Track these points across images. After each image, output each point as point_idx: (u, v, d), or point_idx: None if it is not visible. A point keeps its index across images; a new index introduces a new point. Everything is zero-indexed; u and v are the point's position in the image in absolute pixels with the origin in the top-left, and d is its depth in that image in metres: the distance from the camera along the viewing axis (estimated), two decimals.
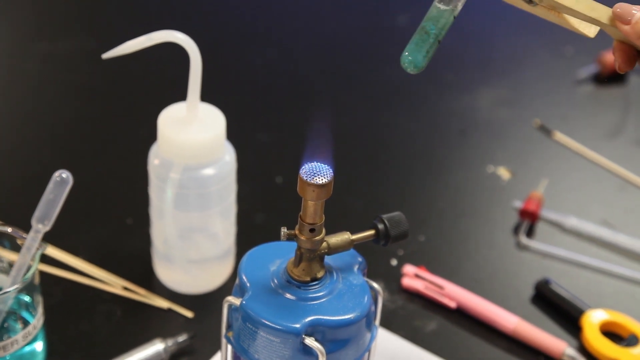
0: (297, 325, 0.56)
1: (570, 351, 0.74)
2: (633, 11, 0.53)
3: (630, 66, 0.56)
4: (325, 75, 1.11)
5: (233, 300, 0.58)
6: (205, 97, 0.73)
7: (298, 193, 0.55)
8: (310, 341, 0.56)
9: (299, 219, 0.57)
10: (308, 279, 0.58)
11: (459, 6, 0.52)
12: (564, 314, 0.79)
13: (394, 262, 0.83)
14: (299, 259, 0.58)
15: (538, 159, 0.99)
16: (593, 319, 0.77)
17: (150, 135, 0.75)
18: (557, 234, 0.88)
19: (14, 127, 0.98)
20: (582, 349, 0.76)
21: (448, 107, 1.06)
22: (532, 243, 0.87)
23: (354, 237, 0.59)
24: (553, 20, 0.56)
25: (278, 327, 0.56)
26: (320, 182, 0.54)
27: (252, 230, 0.84)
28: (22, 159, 0.93)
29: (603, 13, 0.54)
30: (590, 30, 0.56)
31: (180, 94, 0.72)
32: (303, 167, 0.55)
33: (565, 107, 1.08)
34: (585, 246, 0.87)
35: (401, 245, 0.85)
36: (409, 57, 0.51)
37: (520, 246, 0.87)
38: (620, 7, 0.54)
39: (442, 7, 0.52)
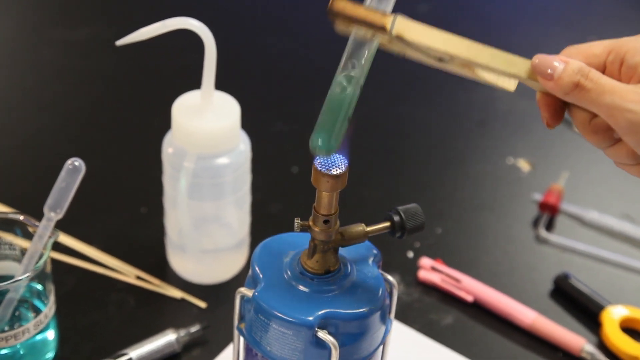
0: (310, 318, 0.55)
1: (590, 347, 0.73)
2: (555, 63, 0.49)
3: (559, 120, 0.52)
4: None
5: (245, 291, 0.57)
6: (222, 86, 0.72)
7: (312, 184, 0.54)
8: (323, 334, 0.55)
9: (313, 210, 0.56)
10: (322, 271, 0.57)
11: (363, 77, 0.50)
12: (583, 310, 0.77)
13: (410, 254, 0.82)
14: (312, 251, 0.57)
15: (559, 152, 0.98)
16: (613, 315, 0.75)
17: (165, 124, 0.74)
18: (577, 227, 0.87)
19: (29, 115, 0.98)
20: (602, 346, 0.75)
21: (467, 98, 1.05)
22: (552, 237, 0.85)
23: (369, 229, 0.58)
24: (468, 76, 0.53)
25: (290, 319, 0.55)
26: (335, 173, 0.53)
27: (266, 221, 0.83)
28: (36, 147, 0.93)
29: (522, 68, 0.49)
30: (511, 84, 0.52)
31: (196, 83, 0.71)
32: (317, 158, 0.54)
33: None
34: (605, 240, 0.86)
35: (418, 237, 0.83)
36: (320, 143, 0.50)
37: (540, 240, 0.85)
38: (540, 59, 0.49)
39: (344, 84, 0.50)
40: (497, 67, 0.50)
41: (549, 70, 0.49)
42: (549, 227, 0.87)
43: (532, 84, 0.51)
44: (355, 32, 0.50)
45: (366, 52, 0.50)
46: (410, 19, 0.49)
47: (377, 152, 0.96)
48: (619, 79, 0.50)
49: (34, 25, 1.13)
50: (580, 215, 0.87)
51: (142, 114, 0.98)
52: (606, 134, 0.50)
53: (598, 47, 0.51)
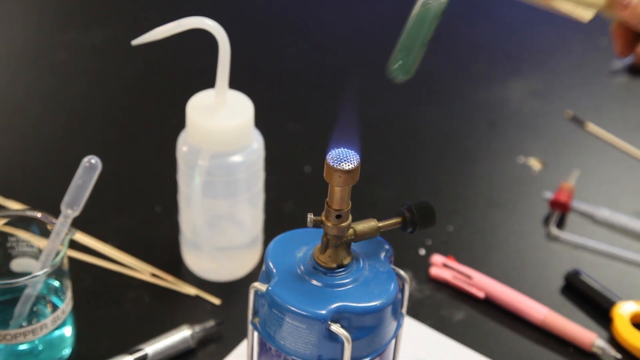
0: (323, 312, 0.56)
1: (600, 342, 0.74)
2: None
3: (631, 50, 0.54)
4: (356, 65, 1.11)
5: (259, 286, 0.58)
6: (236, 86, 0.73)
7: (324, 179, 0.55)
8: (336, 328, 0.56)
9: (325, 205, 0.57)
10: (334, 265, 0.58)
11: (443, 3, 0.51)
12: (594, 306, 0.78)
13: (422, 251, 0.83)
14: (325, 246, 0.58)
15: (570, 150, 0.98)
16: (624, 310, 0.76)
17: (179, 123, 0.75)
18: (588, 225, 0.87)
19: (45, 116, 0.99)
20: (613, 341, 0.75)
21: (479, 98, 1.06)
22: (563, 234, 0.86)
23: (381, 224, 0.59)
24: (544, 6, 0.54)
25: (304, 313, 0.56)
26: (347, 167, 0.54)
27: (280, 219, 0.84)
28: (53, 147, 0.94)
29: None
30: (587, 14, 0.53)
31: (210, 83, 0.72)
32: (330, 153, 0.55)
33: (598, 99, 1.07)
34: (616, 238, 0.86)
35: (429, 235, 0.84)
36: (399, 65, 0.50)
37: (551, 237, 0.86)
38: None
39: (425, 4, 0.51)
40: None
41: (624, 1, 0.51)
42: (560, 224, 0.87)
43: (608, 13, 0.52)
44: None
45: None
46: None
47: (390, 152, 0.97)
48: None
49: (51, 28, 1.14)
50: (591, 212, 0.88)
51: (157, 114, 0.99)
52: None
53: None
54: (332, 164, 0.54)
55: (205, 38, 0.70)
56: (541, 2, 0.53)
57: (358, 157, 0.55)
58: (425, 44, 0.50)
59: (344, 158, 0.54)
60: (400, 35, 0.51)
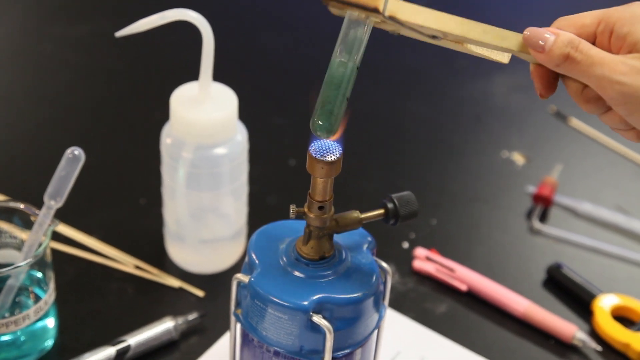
0: (305, 303, 0.56)
1: (581, 335, 0.74)
2: (546, 35, 0.49)
3: (552, 91, 0.53)
4: None
5: (242, 277, 0.58)
6: (221, 79, 0.73)
7: (307, 170, 0.55)
8: (318, 318, 0.56)
9: (308, 196, 0.57)
10: (317, 257, 0.58)
11: (360, 57, 0.51)
12: (576, 298, 0.79)
13: (405, 245, 0.83)
14: (307, 237, 0.58)
15: (553, 145, 0.99)
16: (604, 303, 0.76)
17: (164, 116, 0.75)
18: (570, 219, 0.88)
19: (29, 108, 0.99)
20: (593, 333, 0.76)
21: (463, 93, 1.06)
22: (545, 228, 0.86)
23: (363, 215, 0.59)
24: (462, 51, 0.53)
25: (286, 304, 0.56)
26: (329, 159, 0.55)
27: (264, 212, 0.84)
28: (37, 139, 0.94)
29: (514, 41, 0.50)
30: (504, 57, 0.53)
31: (194, 76, 0.72)
32: (312, 145, 0.55)
33: None
34: (598, 231, 0.87)
35: (413, 228, 0.85)
36: (321, 124, 0.51)
37: (533, 231, 0.86)
38: (531, 32, 0.50)
39: (342, 61, 0.51)
40: (489, 42, 0.51)
41: (540, 42, 0.50)
42: (543, 218, 0.88)
43: (524, 56, 0.51)
44: (349, 15, 0.51)
45: (361, 33, 0.51)
46: None
47: (375, 145, 0.97)
48: (609, 49, 0.50)
49: (36, 21, 1.14)
50: (573, 207, 0.89)
51: (141, 107, 0.99)
52: (599, 103, 0.51)
53: (588, 18, 0.51)
54: (314, 155, 0.55)
55: (190, 31, 0.70)
56: (460, 48, 0.53)
57: (340, 149, 0.55)
58: (346, 99, 0.51)
59: (326, 150, 0.55)
60: (320, 93, 0.51)
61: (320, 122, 0.51)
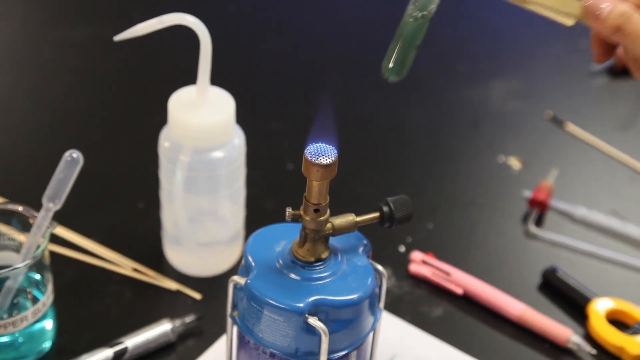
0: (301, 305, 0.56)
1: (576, 338, 0.75)
2: (602, 5, 0.52)
3: (608, 57, 0.55)
4: (339, 64, 1.11)
5: (238, 279, 0.59)
6: (219, 83, 0.74)
7: (302, 173, 0.56)
8: (313, 321, 0.56)
9: (303, 199, 0.57)
10: (312, 259, 0.59)
11: (433, 10, 0.54)
12: (571, 302, 0.79)
13: (402, 248, 0.84)
14: (303, 240, 0.59)
15: (549, 150, 0.99)
16: (599, 307, 0.77)
17: (162, 120, 0.75)
18: (566, 223, 0.89)
19: (29, 112, 0.99)
20: (588, 337, 0.76)
21: (460, 98, 1.07)
22: (541, 232, 0.87)
23: (359, 218, 0.60)
24: (527, 8, 0.56)
25: (282, 306, 0.57)
26: (325, 162, 0.55)
27: (261, 216, 0.84)
28: (36, 143, 0.94)
29: (575, 8, 0.53)
30: (567, 21, 0.55)
31: (193, 80, 0.73)
32: (308, 148, 0.56)
33: (578, 99, 1.08)
34: (594, 236, 0.87)
35: (409, 232, 0.85)
36: (391, 68, 0.54)
37: (529, 235, 0.87)
38: (590, 0, 0.53)
39: (416, 14, 0.53)
40: (552, 6, 0.53)
41: (596, 12, 0.52)
42: (538, 222, 0.88)
43: (585, 22, 0.54)
44: None
45: None
46: None
47: (371, 149, 0.97)
48: None
49: (35, 26, 1.14)
50: (569, 211, 0.89)
51: (140, 110, 1.00)
52: None
53: None
54: (310, 158, 0.55)
55: (188, 35, 0.71)
56: (527, 6, 0.55)
57: (336, 151, 0.56)
58: (418, 47, 0.53)
59: (322, 153, 0.55)
60: (394, 38, 0.54)
61: (390, 66, 0.54)
